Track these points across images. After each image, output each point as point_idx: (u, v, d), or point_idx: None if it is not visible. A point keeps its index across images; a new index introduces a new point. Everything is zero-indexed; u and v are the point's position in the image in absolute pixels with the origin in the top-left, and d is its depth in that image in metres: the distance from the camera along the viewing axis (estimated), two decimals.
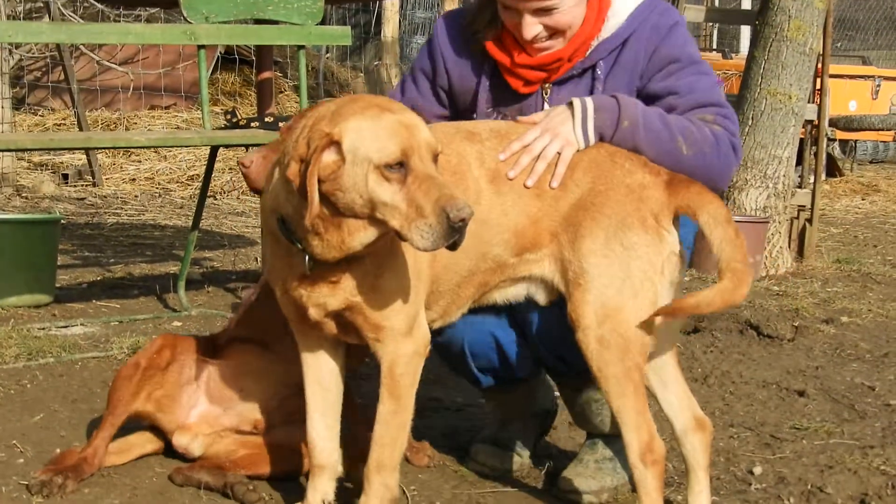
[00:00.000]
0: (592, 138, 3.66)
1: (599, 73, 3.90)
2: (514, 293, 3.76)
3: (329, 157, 3.17)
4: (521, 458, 4.23)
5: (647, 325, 3.53)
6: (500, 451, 4.20)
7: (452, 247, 3.14)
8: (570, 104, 3.70)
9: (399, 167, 3.15)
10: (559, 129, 3.64)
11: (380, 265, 3.37)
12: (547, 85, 3.96)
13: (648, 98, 3.84)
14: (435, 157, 3.21)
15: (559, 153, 3.62)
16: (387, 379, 3.46)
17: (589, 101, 3.69)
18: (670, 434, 3.80)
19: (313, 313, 3.44)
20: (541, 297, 3.74)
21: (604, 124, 3.67)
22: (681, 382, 3.82)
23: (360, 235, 3.22)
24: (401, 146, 3.16)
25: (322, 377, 3.64)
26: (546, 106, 3.92)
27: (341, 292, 3.38)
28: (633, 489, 3.65)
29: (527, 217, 3.60)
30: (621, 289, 3.52)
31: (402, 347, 3.44)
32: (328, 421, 3.66)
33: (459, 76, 4.06)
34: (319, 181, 3.16)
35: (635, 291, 3.52)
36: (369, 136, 3.17)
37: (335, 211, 3.21)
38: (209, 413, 4.01)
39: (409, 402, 3.48)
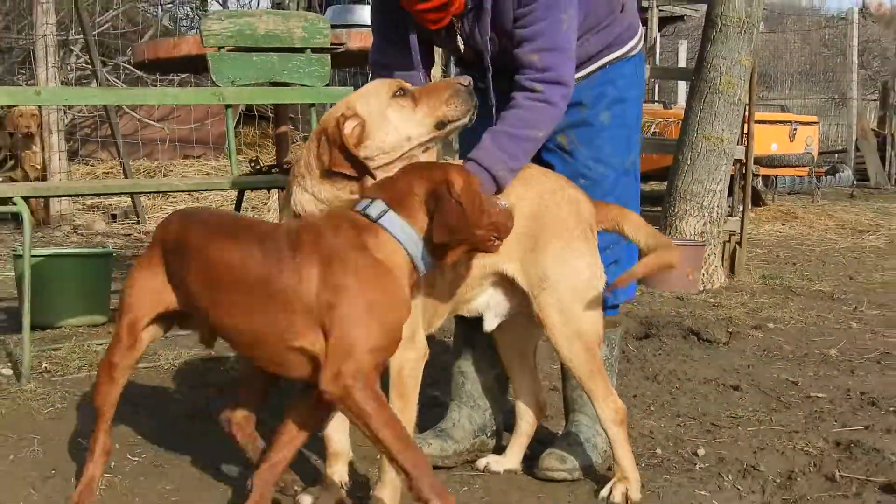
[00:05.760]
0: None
1: (486, 5, 3.70)
2: (477, 304, 3.75)
3: (350, 124, 3.28)
4: (446, 448, 4.11)
5: (598, 318, 3.66)
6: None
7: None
8: None
9: (402, 92, 3.32)
10: None
11: None
12: (454, 18, 3.79)
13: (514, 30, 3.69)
14: None
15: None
16: (396, 381, 3.41)
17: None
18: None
19: None
20: (500, 307, 3.75)
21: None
22: (534, 371, 4.07)
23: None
24: (395, 84, 3.35)
25: None
26: (459, 35, 3.82)
27: None
28: (610, 448, 3.75)
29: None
30: (578, 291, 3.61)
31: (408, 353, 3.39)
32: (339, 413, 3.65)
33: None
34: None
35: (588, 292, 3.62)
36: (371, 90, 3.36)
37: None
38: None
39: (413, 402, 3.45)
